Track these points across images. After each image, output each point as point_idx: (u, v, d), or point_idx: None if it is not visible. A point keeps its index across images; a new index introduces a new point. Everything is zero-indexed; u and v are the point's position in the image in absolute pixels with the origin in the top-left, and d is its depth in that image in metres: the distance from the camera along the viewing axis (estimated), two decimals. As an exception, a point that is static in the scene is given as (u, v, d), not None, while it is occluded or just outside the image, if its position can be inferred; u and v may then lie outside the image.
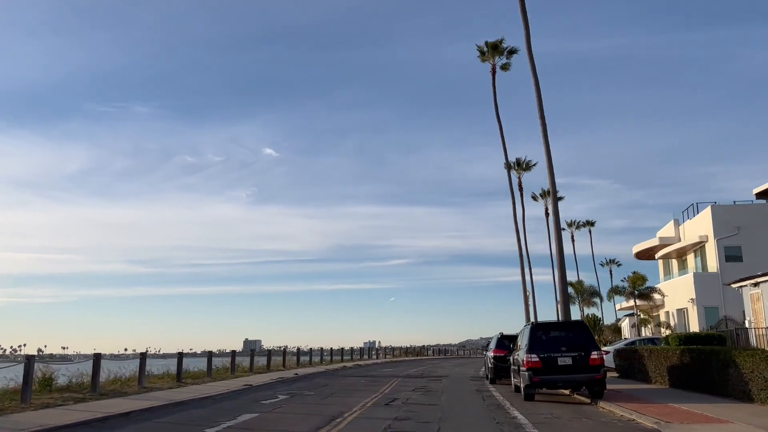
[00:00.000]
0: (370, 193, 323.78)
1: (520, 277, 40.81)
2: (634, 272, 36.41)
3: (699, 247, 35.42)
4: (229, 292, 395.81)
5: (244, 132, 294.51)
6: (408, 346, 74.90)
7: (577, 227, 78.19)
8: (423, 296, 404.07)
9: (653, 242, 41.50)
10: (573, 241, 76.59)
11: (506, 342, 22.64)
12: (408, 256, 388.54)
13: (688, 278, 33.71)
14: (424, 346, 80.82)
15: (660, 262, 42.12)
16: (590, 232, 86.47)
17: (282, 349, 42.56)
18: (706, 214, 34.72)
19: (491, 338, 24.23)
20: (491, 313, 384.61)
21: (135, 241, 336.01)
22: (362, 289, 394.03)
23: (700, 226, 35.07)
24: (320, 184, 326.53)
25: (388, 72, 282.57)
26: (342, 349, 48.99)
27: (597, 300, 48.60)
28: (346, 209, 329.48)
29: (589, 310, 49.89)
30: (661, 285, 38.82)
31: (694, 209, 36.58)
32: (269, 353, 31.86)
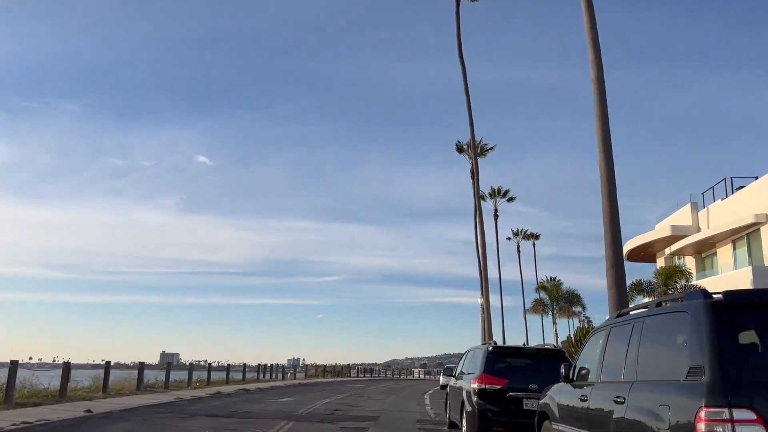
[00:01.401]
0: (305, 207, 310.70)
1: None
2: (662, 267, 26.04)
3: (750, 232, 24.97)
4: (151, 302, 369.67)
5: (178, 137, 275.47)
6: (334, 364, 63.46)
7: (525, 237, 70.65)
8: (352, 314, 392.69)
9: (659, 234, 30.52)
10: (518, 252, 67.79)
11: (502, 364, 11.15)
12: (339, 273, 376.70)
13: (743, 273, 22.88)
14: (348, 364, 69.13)
15: (662, 262, 31.83)
16: (534, 245, 79.41)
17: (189, 364, 31.38)
18: (764, 183, 24.09)
19: (464, 353, 13.07)
20: (420, 334, 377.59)
21: (54, 244, 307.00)
22: (290, 304, 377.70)
23: (746, 204, 24.71)
24: (254, 195, 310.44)
25: (331, 86, 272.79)
26: (259, 365, 42.31)
27: (578, 309, 37.45)
28: (280, 222, 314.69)
29: (564, 323, 39.00)
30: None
31: (728, 186, 26.53)
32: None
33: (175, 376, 25.86)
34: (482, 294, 38.95)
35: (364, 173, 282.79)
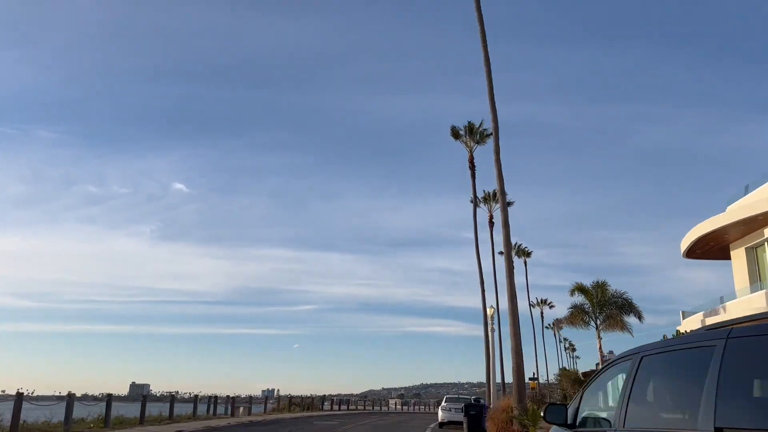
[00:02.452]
0: (283, 236, 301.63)
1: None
2: None
3: None
4: (124, 332, 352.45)
5: (155, 165, 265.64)
6: (310, 395, 53.42)
7: (517, 253, 64.59)
8: (329, 344, 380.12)
9: (734, 216, 21.81)
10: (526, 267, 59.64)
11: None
12: (317, 302, 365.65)
13: None
14: (323, 395, 59.16)
15: (740, 256, 23.54)
16: (525, 263, 71.26)
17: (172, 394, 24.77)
18: None
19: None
20: (396, 364, 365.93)
21: (25, 272, 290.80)
22: (266, 334, 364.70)
23: None
24: (232, 224, 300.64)
25: (310, 117, 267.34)
26: (229, 396, 35.97)
27: (631, 318, 27.58)
28: (257, 251, 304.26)
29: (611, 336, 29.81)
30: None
31: None
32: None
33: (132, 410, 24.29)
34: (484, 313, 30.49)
35: (343, 203, 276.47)
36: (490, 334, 30.75)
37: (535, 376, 72.46)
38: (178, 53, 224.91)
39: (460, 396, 31.76)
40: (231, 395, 35.93)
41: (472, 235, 36.14)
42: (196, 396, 30.50)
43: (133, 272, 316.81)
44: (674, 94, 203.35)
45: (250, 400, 39.04)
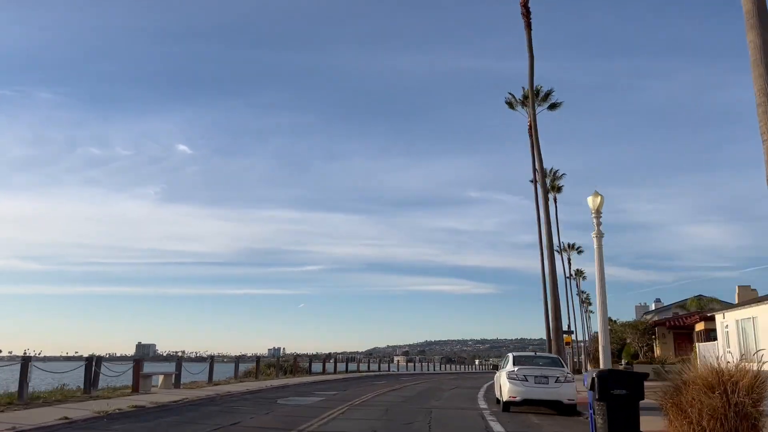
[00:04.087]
0: (287, 197, 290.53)
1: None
2: None
3: None
4: (129, 294, 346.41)
5: (157, 127, 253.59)
6: (314, 353, 42.75)
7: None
8: (334, 303, 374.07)
9: None
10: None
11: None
12: (322, 263, 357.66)
13: None
14: (329, 353, 48.63)
15: None
16: (555, 200, 59.88)
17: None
18: None
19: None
20: (401, 322, 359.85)
21: (30, 235, 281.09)
22: (272, 294, 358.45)
23: None
24: (236, 185, 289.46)
25: (314, 76, 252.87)
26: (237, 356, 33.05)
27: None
28: (261, 213, 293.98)
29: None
30: None
31: None
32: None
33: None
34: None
35: (347, 163, 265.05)
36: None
37: (571, 329, 61.62)
38: (179, 13, 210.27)
39: (538, 354, 20.04)
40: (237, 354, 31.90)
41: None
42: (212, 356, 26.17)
43: (137, 234, 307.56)
44: (679, 49, 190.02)
45: (258, 360, 28.59)
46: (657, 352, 39.58)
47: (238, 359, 31.20)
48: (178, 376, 19.92)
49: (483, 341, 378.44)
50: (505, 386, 14.31)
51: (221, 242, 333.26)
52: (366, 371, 44.67)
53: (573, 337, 60.98)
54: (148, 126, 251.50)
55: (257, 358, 31.53)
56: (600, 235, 14.30)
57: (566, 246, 77.35)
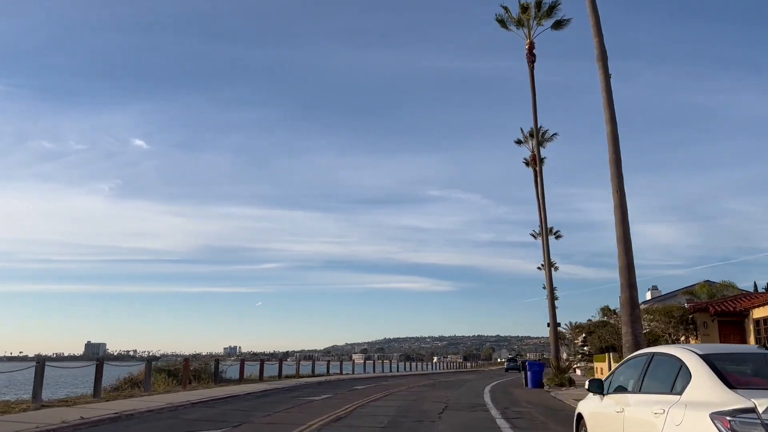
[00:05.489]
0: (247, 194, 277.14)
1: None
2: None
3: None
4: (82, 291, 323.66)
5: (113, 120, 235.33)
6: (270, 352, 32.21)
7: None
8: (293, 301, 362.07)
9: None
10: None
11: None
12: (282, 260, 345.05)
13: None
14: (287, 351, 38.21)
15: None
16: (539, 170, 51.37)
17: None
18: None
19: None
20: (361, 319, 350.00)
21: None
22: (230, 292, 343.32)
23: None
24: (195, 181, 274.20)
25: (276, 72, 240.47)
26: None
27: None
28: (221, 209, 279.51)
29: None
30: None
31: None
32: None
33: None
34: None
35: (309, 160, 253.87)
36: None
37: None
38: (137, 3, 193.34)
39: None
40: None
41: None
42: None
43: (92, 230, 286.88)
44: (641, 51, 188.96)
45: (149, 364, 17.20)
46: (693, 343, 29.76)
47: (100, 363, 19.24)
48: None
49: (441, 338, 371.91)
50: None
51: (179, 239, 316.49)
52: (309, 376, 33.32)
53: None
54: (103, 119, 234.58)
55: (149, 360, 19.72)
56: None
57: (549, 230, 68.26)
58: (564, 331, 78.19)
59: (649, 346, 28.66)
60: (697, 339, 29.90)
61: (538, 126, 49.33)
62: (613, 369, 7.30)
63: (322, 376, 34.51)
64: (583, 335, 64.80)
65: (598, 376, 34.27)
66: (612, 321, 46.92)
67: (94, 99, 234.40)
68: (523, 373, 29.29)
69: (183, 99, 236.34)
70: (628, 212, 14.02)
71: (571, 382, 26.48)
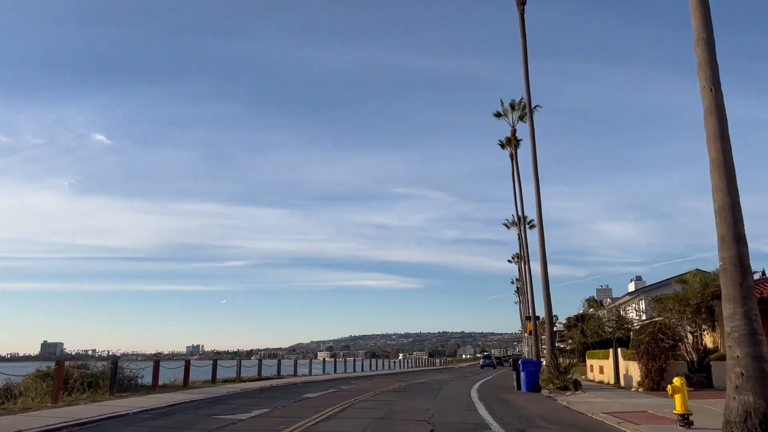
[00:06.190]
0: (211, 190, 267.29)
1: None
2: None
3: None
4: (40, 290, 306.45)
5: (72, 114, 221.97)
6: (234, 350, 26.41)
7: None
8: (259, 299, 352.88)
9: None
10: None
11: None
12: (246, 258, 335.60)
13: None
14: (251, 350, 32.47)
15: None
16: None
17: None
18: None
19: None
20: (326, 317, 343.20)
21: None
22: (193, 290, 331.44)
23: None
24: (157, 177, 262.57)
25: (239, 66, 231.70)
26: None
27: None
28: (184, 206, 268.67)
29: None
30: None
31: None
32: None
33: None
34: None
35: (273, 156, 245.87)
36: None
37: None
38: None
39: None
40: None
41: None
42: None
43: (49, 227, 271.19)
44: (599, 53, 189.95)
45: (116, 365, 12.54)
46: (708, 338, 25.16)
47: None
48: None
49: (407, 335, 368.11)
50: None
51: (140, 236, 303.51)
52: (254, 379, 27.27)
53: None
54: (62, 113, 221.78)
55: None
56: None
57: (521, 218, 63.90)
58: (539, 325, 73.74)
59: (651, 339, 23.61)
60: (714, 332, 25.14)
61: (521, 99, 44.22)
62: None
63: (271, 379, 28.50)
64: (561, 330, 60.40)
65: (596, 375, 29.24)
66: (600, 314, 41.90)
67: (52, 92, 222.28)
68: (515, 373, 23.96)
69: (144, 93, 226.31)
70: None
71: (577, 385, 21.25)
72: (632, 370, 22.46)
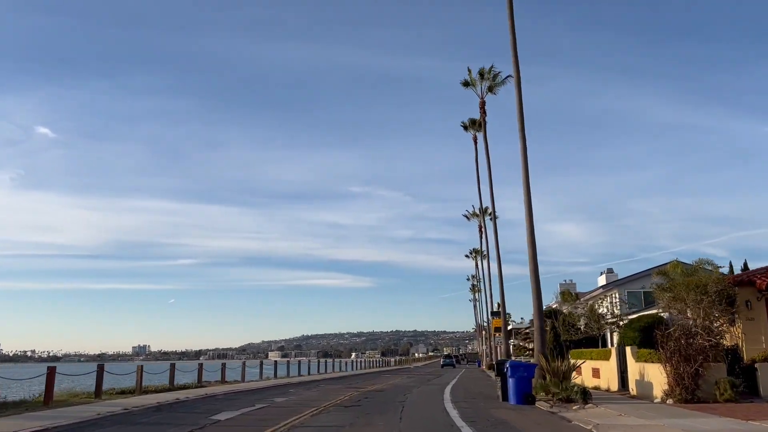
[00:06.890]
0: (160, 187, 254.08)
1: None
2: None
3: None
4: None
5: (13, 106, 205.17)
6: (183, 351, 20.33)
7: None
8: (209, 298, 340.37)
9: None
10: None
11: None
12: (197, 256, 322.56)
13: None
14: (200, 350, 26.64)
15: None
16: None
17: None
18: None
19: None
20: (278, 316, 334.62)
21: None
22: (141, 289, 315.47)
23: None
24: (104, 173, 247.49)
25: (191, 61, 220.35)
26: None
27: None
28: (132, 202, 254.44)
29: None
30: None
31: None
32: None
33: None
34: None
35: (226, 153, 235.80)
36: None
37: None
38: None
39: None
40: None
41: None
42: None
43: None
44: (550, 57, 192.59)
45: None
46: (727, 335, 20.45)
47: None
48: None
49: (359, 334, 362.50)
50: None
51: (86, 233, 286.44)
52: (164, 389, 20.90)
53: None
54: (3, 105, 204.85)
55: None
56: None
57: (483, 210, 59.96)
58: (516, 324, 69.35)
59: (681, 336, 18.70)
60: (735, 325, 20.49)
61: (491, 66, 39.27)
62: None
63: (187, 389, 22.17)
64: (525, 330, 56.36)
65: (587, 379, 24.27)
66: (580, 310, 37.09)
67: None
68: (499, 380, 18.63)
69: (91, 86, 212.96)
70: None
71: (586, 396, 16.01)
72: (651, 374, 17.48)
